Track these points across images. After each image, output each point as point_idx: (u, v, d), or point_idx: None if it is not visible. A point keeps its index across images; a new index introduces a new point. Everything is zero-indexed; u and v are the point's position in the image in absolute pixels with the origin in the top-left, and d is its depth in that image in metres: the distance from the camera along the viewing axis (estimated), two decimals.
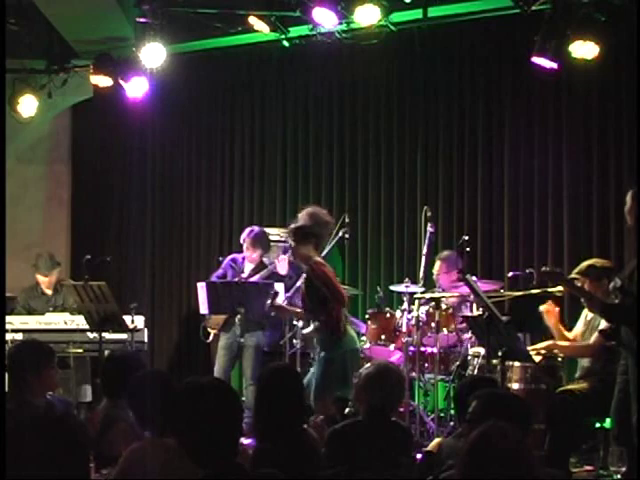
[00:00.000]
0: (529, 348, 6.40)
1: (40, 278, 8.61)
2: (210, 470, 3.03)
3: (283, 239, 8.52)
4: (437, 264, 7.85)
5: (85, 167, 10.22)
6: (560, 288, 6.51)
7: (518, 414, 3.75)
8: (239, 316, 7.52)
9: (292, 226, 6.86)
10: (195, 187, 9.88)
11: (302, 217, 6.98)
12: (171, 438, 3.63)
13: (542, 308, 6.63)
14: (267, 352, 8.10)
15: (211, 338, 8.27)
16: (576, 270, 6.38)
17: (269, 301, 6.97)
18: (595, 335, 6.21)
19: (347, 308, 6.87)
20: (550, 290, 6.59)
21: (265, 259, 8.23)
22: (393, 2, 7.72)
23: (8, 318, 7.94)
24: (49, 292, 8.64)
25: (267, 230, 8.60)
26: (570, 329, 6.74)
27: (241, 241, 8.27)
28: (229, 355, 8.12)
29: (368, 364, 5.12)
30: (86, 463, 2.88)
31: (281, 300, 7.25)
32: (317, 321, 6.65)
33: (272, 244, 8.50)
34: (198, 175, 9.89)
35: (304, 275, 6.79)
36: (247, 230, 8.29)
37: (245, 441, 6.04)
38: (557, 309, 6.67)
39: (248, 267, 8.20)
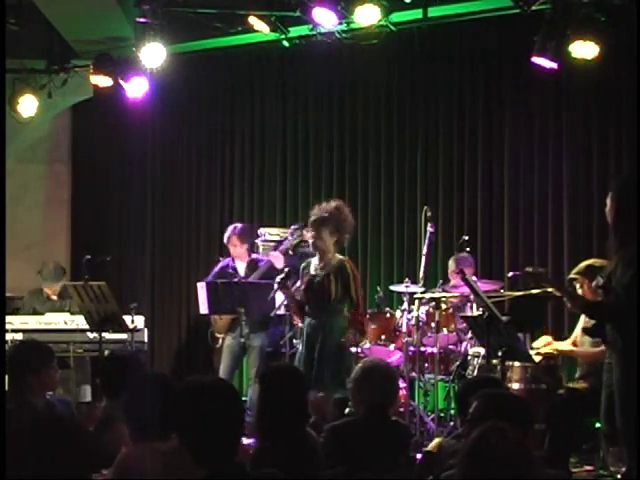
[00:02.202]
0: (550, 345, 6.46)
1: (45, 288, 8.62)
2: (211, 470, 3.03)
3: (283, 239, 8.52)
4: (452, 264, 7.84)
5: (85, 167, 10.22)
6: None
7: (519, 414, 3.75)
8: (245, 317, 7.52)
9: (317, 215, 6.83)
10: (195, 187, 9.89)
11: (327, 209, 6.87)
12: (168, 442, 3.63)
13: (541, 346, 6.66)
14: (269, 352, 8.10)
15: (220, 343, 8.24)
16: (575, 270, 6.37)
17: (279, 278, 6.84)
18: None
19: None
20: (550, 290, 6.58)
21: (255, 255, 8.24)
22: (393, 2, 7.72)
23: (8, 318, 7.94)
24: (54, 298, 8.64)
25: (267, 230, 8.61)
26: (570, 330, 6.76)
27: (225, 240, 8.23)
28: (233, 355, 8.12)
29: (359, 364, 5.12)
30: (86, 463, 2.88)
31: (279, 301, 7.23)
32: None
33: (271, 244, 8.49)
34: (198, 175, 9.89)
35: (333, 267, 6.74)
36: (230, 228, 8.27)
37: (246, 441, 6.05)
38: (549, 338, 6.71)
39: (241, 266, 8.17)
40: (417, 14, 8.03)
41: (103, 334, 7.18)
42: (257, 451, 4.10)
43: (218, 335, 8.22)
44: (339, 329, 6.70)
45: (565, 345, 6.66)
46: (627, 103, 7.60)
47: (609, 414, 5.46)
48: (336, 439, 4.57)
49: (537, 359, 6.46)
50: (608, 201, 5.39)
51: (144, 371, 4.78)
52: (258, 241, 8.62)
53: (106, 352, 7.46)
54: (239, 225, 8.30)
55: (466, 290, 7.07)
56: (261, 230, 8.69)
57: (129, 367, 4.58)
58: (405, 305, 7.61)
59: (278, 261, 7.87)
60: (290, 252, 7.94)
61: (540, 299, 6.72)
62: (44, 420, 2.92)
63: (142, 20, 8.11)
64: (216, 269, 8.31)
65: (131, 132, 9.92)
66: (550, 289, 6.16)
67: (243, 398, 8.27)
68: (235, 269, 8.17)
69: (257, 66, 9.54)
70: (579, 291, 6.23)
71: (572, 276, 6.33)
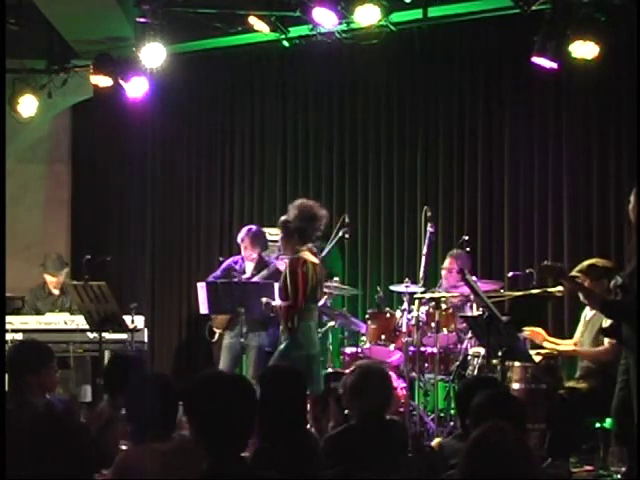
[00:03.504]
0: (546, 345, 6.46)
1: (48, 278, 8.63)
2: (215, 460, 3.04)
3: None
4: (449, 261, 7.82)
5: (85, 167, 10.22)
6: (560, 288, 6.52)
7: (515, 414, 3.75)
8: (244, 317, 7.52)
9: (280, 219, 6.87)
10: (195, 187, 9.88)
11: (290, 210, 6.88)
12: (167, 442, 3.64)
13: (526, 334, 6.63)
14: (268, 352, 8.10)
15: (216, 338, 8.27)
16: (577, 268, 6.39)
17: (264, 300, 6.88)
18: (607, 340, 6.19)
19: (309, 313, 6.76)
20: (550, 290, 6.59)
21: (264, 255, 8.24)
22: (393, 2, 7.72)
23: (8, 318, 7.94)
24: (56, 292, 8.65)
25: (267, 230, 8.60)
26: (570, 330, 6.76)
27: (239, 240, 8.28)
28: (232, 354, 8.12)
29: (351, 368, 5.08)
30: (87, 463, 2.88)
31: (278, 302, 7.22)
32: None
33: (271, 244, 8.50)
34: (198, 175, 9.89)
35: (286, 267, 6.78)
36: (244, 229, 8.31)
37: None
38: (541, 330, 6.68)
39: (249, 267, 8.20)
40: (417, 14, 8.03)
41: (103, 334, 7.19)
42: (257, 451, 4.10)
43: (216, 330, 8.23)
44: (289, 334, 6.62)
45: (565, 346, 6.67)
46: (627, 103, 7.59)
47: (621, 415, 5.46)
48: (335, 448, 4.53)
49: (537, 359, 6.47)
50: (632, 198, 5.39)
51: (145, 372, 4.79)
52: None
53: (106, 352, 7.47)
54: (254, 228, 8.31)
55: (466, 290, 7.07)
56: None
57: (132, 367, 4.59)
58: (405, 305, 7.60)
59: (282, 265, 7.88)
60: None
61: (540, 299, 6.73)
62: (44, 420, 2.92)
63: (142, 20, 8.11)
64: (224, 265, 8.33)
65: (131, 132, 9.92)
66: (561, 288, 6.18)
67: None
68: (243, 269, 8.19)
69: (257, 66, 9.53)
70: None
71: (574, 274, 6.34)
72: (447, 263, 7.84)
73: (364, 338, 7.75)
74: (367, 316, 7.83)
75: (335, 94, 9.21)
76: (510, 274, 7.47)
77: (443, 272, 7.88)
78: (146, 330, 8.39)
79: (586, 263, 6.40)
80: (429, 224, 7.72)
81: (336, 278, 8.00)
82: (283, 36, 8.22)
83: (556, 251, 7.97)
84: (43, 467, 2.74)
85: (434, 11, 7.99)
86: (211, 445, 3.06)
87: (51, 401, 4.92)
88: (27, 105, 9.11)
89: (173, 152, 9.97)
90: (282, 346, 6.66)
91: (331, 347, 7.89)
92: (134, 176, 10.08)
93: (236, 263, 8.29)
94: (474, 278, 6.99)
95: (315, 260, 6.76)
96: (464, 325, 7.27)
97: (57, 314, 8.30)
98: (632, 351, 5.29)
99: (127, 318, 7.41)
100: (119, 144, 10.06)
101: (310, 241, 6.80)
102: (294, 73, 9.34)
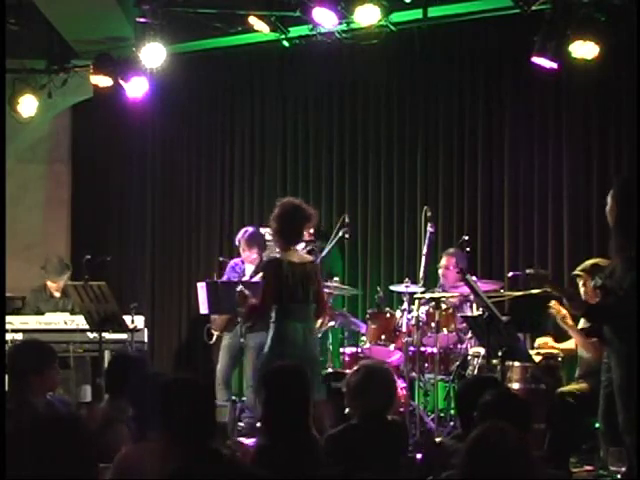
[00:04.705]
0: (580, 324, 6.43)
1: (49, 283, 8.63)
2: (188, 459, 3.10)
3: None
4: (445, 259, 7.83)
5: (85, 167, 10.22)
6: None
7: (519, 414, 3.75)
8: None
9: (270, 232, 6.65)
10: (195, 187, 9.89)
11: (272, 226, 6.41)
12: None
13: (553, 310, 6.59)
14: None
15: (214, 340, 8.26)
16: (580, 267, 6.40)
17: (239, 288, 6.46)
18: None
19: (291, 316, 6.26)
20: (550, 290, 6.58)
21: (264, 255, 8.23)
22: (393, 2, 7.72)
23: (8, 318, 7.94)
24: (58, 295, 8.65)
25: (266, 230, 8.60)
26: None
27: (236, 242, 8.27)
28: (231, 354, 8.13)
29: (353, 368, 5.06)
30: (87, 463, 2.88)
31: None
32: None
33: (269, 244, 8.50)
34: (198, 175, 9.89)
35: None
36: (241, 231, 8.30)
37: (246, 441, 6.03)
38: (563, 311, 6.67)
39: (249, 269, 8.18)
40: (417, 14, 8.04)
41: (103, 334, 7.19)
42: (258, 450, 4.11)
43: (214, 332, 8.23)
44: (270, 334, 6.27)
45: (565, 344, 6.67)
46: (627, 103, 7.60)
47: (607, 414, 5.47)
48: (336, 447, 4.51)
49: (537, 359, 6.47)
50: (609, 200, 5.38)
51: (147, 372, 4.79)
52: None
53: (106, 352, 7.47)
54: (250, 229, 8.29)
55: (466, 290, 7.07)
56: (261, 230, 8.69)
57: (134, 367, 4.59)
58: (405, 305, 7.60)
59: None
60: None
61: (540, 299, 6.73)
62: (44, 420, 2.93)
63: (142, 20, 8.12)
64: (227, 270, 8.30)
65: (131, 132, 9.92)
66: (550, 290, 6.17)
67: (242, 398, 8.30)
68: (243, 271, 8.18)
69: (257, 66, 9.54)
70: (581, 289, 6.26)
71: (576, 273, 6.34)
72: (443, 261, 7.86)
73: (364, 338, 7.75)
74: (367, 316, 7.83)
75: (335, 94, 9.21)
76: (510, 274, 7.45)
77: (440, 271, 7.89)
78: (146, 330, 8.39)
79: (589, 262, 6.40)
80: (429, 224, 7.72)
81: (336, 278, 8.00)
82: (283, 36, 8.22)
83: (556, 251, 7.98)
84: (43, 467, 2.74)
85: (434, 11, 8.00)
86: (177, 443, 3.18)
87: (51, 401, 4.92)
88: (27, 105, 9.12)
89: (173, 152, 9.98)
90: (266, 347, 6.24)
91: (331, 347, 7.89)
92: (134, 176, 10.08)
93: (236, 265, 8.28)
94: (474, 278, 6.99)
95: (299, 260, 6.32)
96: (464, 325, 7.27)
97: (57, 314, 8.29)
98: (614, 352, 5.30)
99: (127, 318, 7.40)
100: (119, 144, 10.06)
101: (295, 241, 6.42)
102: (294, 73, 9.34)
